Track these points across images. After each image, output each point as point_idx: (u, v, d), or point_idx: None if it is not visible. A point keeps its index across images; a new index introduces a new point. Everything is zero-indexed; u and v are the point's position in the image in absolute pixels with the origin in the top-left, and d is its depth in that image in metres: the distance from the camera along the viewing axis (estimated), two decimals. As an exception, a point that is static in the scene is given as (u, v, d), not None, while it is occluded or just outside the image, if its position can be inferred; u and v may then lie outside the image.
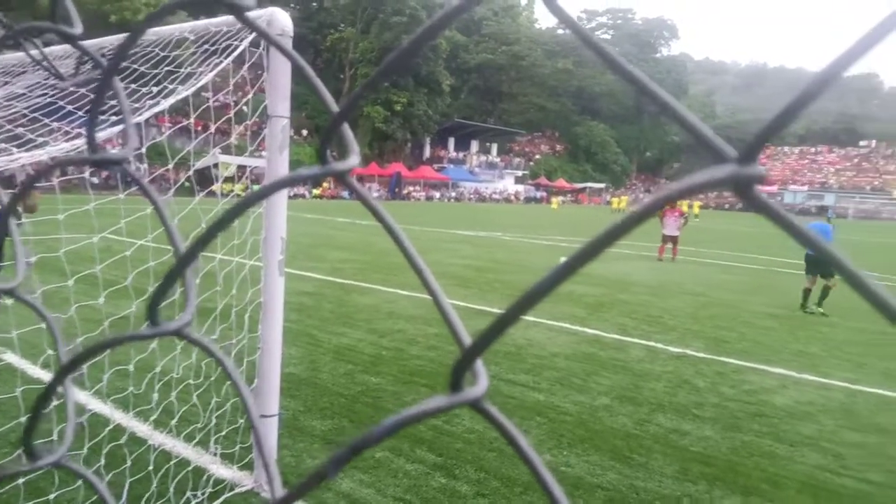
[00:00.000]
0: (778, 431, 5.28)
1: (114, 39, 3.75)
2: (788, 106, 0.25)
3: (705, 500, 4.08)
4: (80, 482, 3.42)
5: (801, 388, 6.52)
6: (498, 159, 77.50)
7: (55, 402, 0.45)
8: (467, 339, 0.29)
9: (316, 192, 49.58)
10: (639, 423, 5.28)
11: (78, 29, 0.49)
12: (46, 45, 0.72)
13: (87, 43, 0.53)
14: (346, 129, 0.33)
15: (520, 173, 77.35)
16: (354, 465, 4.18)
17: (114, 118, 2.77)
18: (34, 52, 0.71)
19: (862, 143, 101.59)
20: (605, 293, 11.40)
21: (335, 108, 0.33)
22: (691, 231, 27.15)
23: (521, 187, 74.29)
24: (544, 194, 74.94)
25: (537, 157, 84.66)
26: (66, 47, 3.74)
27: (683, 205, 29.86)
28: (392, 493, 3.89)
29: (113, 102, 0.55)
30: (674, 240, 17.36)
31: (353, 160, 0.32)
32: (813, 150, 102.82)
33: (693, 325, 9.26)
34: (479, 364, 0.29)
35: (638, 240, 22.81)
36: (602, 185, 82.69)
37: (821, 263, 10.26)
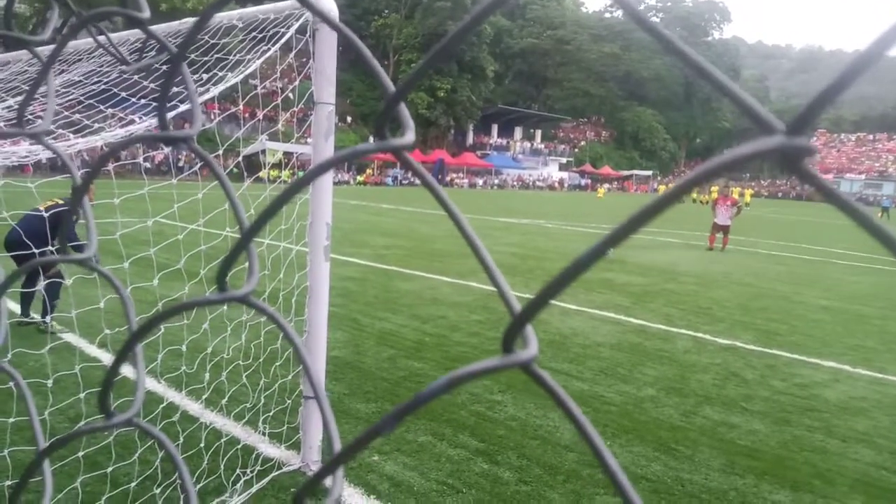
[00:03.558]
0: (830, 426, 5.14)
1: (176, 25, 3.87)
2: (841, 76, 0.25)
3: (753, 495, 4.01)
4: (135, 457, 3.57)
5: (855, 382, 6.31)
6: (542, 146, 76.77)
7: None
8: (517, 306, 0.30)
9: (360, 178, 50.12)
10: (685, 414, 5.21)
11: (146, 13, 0.52)
12: (100, 33, 0.75)
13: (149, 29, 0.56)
14: (403, 108, 0.34)
15: (564, 160, 76.50)
16: (398, 448, 4.25)
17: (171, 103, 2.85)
18: (101, 37, 0.75)
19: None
20: (650, 282, 11.23)
21: (392, 87, 0.34)
22: (742, 220, 26.41)
23: (565, 174, 73.49)
24: (589, 182, 73.95)
25: (582, 143, 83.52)
26: (122, 35, 3.86)
27: (735, 192, 29.13)
28: (435, 477, 3.94)
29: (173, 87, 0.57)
30: (725, 229, 16.94)
31: (410, 137, 0.34)
32: (871, 137, 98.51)
33: (743, 316, 9.04)
34: (530, 329, 0.30)
35: (686, 228, 22.34)
36: (649, 173, 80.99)
37: None
